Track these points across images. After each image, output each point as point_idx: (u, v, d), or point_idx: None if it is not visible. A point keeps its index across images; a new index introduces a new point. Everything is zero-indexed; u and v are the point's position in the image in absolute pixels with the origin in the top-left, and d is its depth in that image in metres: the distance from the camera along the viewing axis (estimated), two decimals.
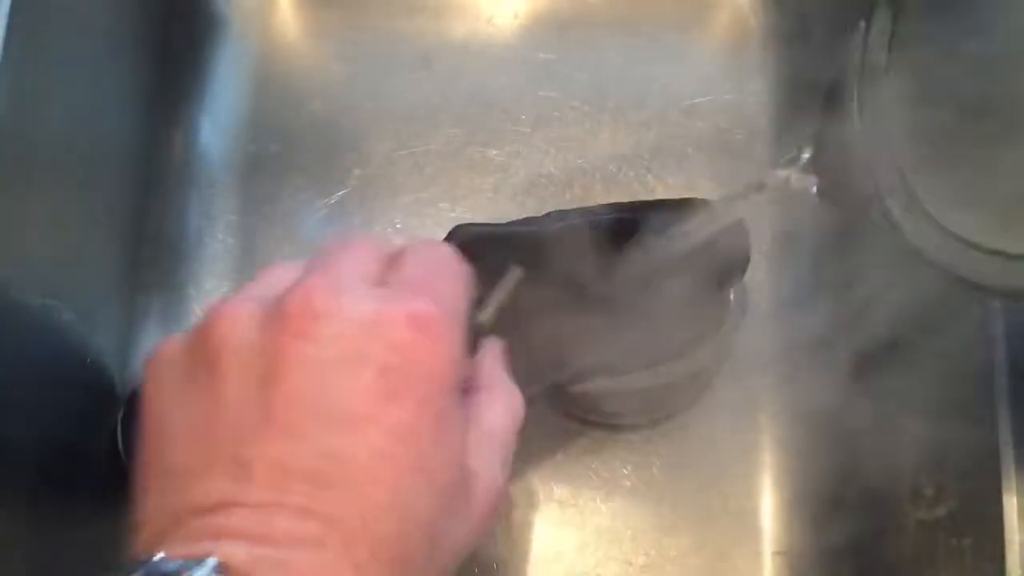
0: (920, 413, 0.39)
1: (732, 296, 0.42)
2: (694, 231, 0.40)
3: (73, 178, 0.41)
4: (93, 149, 0.43)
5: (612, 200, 0.49)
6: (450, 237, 0.40)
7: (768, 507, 0.45)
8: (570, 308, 0.38)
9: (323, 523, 0.22)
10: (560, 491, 0.45)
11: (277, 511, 0.22)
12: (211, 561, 0.20)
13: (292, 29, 0.51)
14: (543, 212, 0.42)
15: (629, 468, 0.45)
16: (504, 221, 0.43)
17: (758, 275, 0.47)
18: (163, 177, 0.48)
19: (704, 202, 0.42)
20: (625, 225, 0.40)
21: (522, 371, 0.35)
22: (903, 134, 0.28)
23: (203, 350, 0.25)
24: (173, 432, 0.24)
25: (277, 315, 0.24)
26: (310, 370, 0.24)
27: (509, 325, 0.36)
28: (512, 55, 0.51)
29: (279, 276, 0.27)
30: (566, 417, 0.45)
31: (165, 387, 0.25)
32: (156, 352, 0.26)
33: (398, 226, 0.48)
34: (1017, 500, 0.33)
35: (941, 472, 0.38)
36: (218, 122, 0.49)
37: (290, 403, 0.23)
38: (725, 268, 0.41)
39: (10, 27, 0.34)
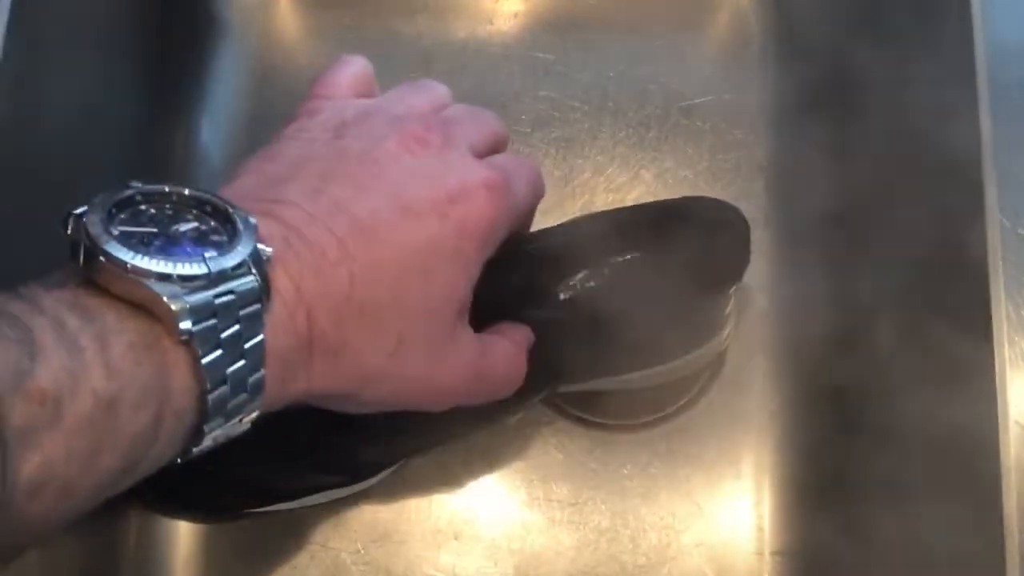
0: (919, 409, 0.39)
1: (731, 296, 0.42)
2: (693, 231, 0.40)
3: (73, 178, 0.41)
4: (93, 149, 0.43)
5: (611, 200, 0.49)
6: None
7: (768, 507, 0.45)
8: (568, 311, 0.38)
9: (341, 249, 0.29)
10: (560, 491, 0.45)
11: (318, 225, 0.29)
12: (252, 220, 0.27)
13: (292, 29, 0.51)
14: (542, 212, 0.42)
15: (629, 468, 0.45)
16: None
17: (758, 275, 0.47)
18: (163, 177, 0.48)
19: (704, 202, 0.42)
20: (625, 227, 0.40)
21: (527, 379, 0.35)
22: None
23: (344, 114, 0.33)
24: (287, 156, 0.32)
25: (401, 126, 0.32)
26: (401, 170, 0.31)
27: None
28: (512, 55, 0.51)
29: (415, 99, 0.35)
30: (565, 417, 0.46)
31: (306, 125, 0.33)
32: (312, 100, 0.34)
33: None
34: (1017, 499, 0.33)
35: (940, 469, 0.38)
36: (218, 122, 0.50)
37: (375, 177, 0.30)
38: (724, 268, 0.41)
39: (10, 27, 0.34)
